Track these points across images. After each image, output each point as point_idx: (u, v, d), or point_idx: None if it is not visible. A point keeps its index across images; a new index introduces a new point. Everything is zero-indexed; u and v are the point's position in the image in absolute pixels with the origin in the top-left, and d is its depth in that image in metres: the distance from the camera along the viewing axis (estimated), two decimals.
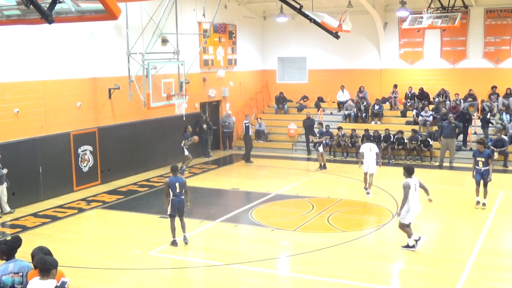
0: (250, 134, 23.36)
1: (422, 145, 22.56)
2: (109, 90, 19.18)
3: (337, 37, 23.15)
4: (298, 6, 21.21)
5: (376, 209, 15.78)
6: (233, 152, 25.54)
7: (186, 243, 12.73)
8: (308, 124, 24.54)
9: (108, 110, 19.36)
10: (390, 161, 22.71)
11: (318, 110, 26.54)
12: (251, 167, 22.38)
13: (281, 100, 28.00)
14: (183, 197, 12.51)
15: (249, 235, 13.92)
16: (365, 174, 17.13)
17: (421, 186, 12.52)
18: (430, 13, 21.77)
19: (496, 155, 21.29)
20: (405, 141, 22.85)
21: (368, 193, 16.99)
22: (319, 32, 23.05)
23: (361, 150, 17.35)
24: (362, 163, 17.11)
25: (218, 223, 14.50)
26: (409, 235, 12.29)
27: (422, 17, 21.69)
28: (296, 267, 11.65)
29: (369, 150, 17.03)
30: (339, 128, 24.01)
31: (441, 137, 21.67)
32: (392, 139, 23.03)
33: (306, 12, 21.45)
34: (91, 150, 18.62)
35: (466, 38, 25.27)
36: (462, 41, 25.35)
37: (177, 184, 12.38)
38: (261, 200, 16.71)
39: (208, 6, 21.66)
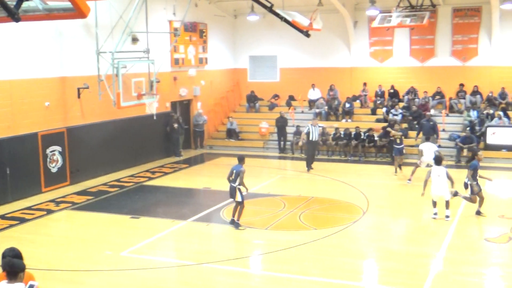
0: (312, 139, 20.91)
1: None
2: (78, 89, 18.95)
3: (307, 35, 23.21)
4: (269, 5, 21.22)
5: (347, 206, 15.89)
6: (204, 151, 25.47)
7: (236, 228, 13.67)
8: (281, 124, 24.61)
9: (77, 110, 19.12)
10: (361, 159, 22.92)
11: (289, 109, 26.63)
12: (221, 166, 22.33)
13: (252, 99, 28.01)
14: (234, 184, 13.53)
15: (221, 234, 13.89)
16: (417, 167, 18.43)
17: (448, 177, 14.11)
18: (399, 12, 22.01)
19: (465, 152, 21.68)
20: (375, 138, 23.06)
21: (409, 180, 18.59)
22: (290, 30, 23.07)
23: (420, 148, 18.59)
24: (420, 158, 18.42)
25: (189, 223, 14.44)
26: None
27: (391, 16, 21.90)
28: (269, 265, 11.67)
29: (428, 148, 18.22)
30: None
31: (420, 135, 21.73)
32: (362, 137, 23.23)
33: (277, 11, 21.47)
34: (60, 150, 18.35)
35: (434, 37, 25.61)
36: (430, 39, 25.68)
37: (234, 171, 13.60)
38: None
39: (179, 5, 21.57)
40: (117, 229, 14.06)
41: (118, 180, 19.49)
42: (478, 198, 14.39)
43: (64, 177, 18.54)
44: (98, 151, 19.89)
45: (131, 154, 21.48)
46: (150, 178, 19.90)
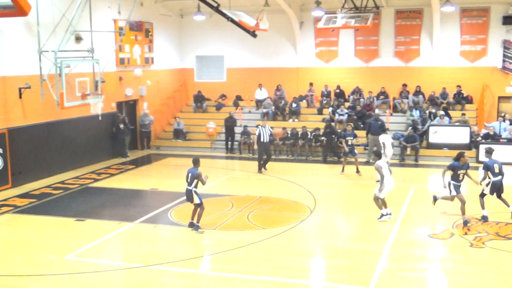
0: (263, 140, 20.55)
1: (338, 142, 23.10)
2: (20, 89, 18.42)
3: (254, 35, 23.33)
4: (215, 5, 21.21)
5: (294, 205, 16.03)
6: (151, 151, 25.22)
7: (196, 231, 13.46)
8: (230, 124, 24.58)
9: (18, 110, 18.58)
10: (308, 158, 23.16)
11: (236, 109, 26.66)
12: (169, 167, 22.18)
13: (199, 99, 27.91)
14: (189, 187, 13.39)
15: (169, 235, 13.78)
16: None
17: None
18: (344, 13, 22.35)
19: (408, 151, 22.21)
20: (322, 138, 23.31)
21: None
22: (236, 30, 23.19)
23: (381, 141, 18.56)
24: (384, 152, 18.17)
25: (136, 224, 14.26)
26: (380, 208, 14.08)
27: (336, 17, 22.23)
28: (217, 266, 11.65)
29: (389, 141, 18.51)
30: (258, 126, 24.18)
31: (368, 134, 22.01)
32: (309, 136, 23.47)
33: (224, 11, 21.49)
34: (1, 152, 17.79)
35: (378, 38, 26.15)
36: (374, 40, 26.20)
37: (189, 175, 13.44)
38: (180, 199, 16.55)
39: (124, 3, 21.26)
40: (62, 232, 13.74)
41: (62, 182, 19.06)
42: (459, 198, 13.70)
43: (5, 179, 17.99)
44: (41, 153, 19.41)
45: (76, 156, 21.05)
46: (95, 180, 19.55)
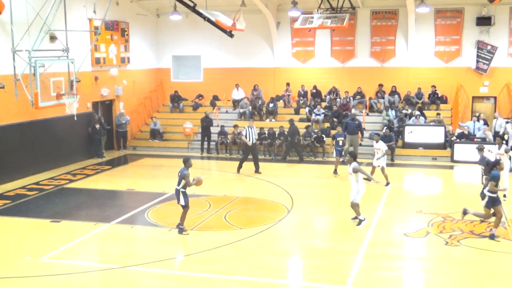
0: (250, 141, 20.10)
1: (315, 141, 23.22)
2: None
3: (231, 35, 23.29)
4: (191, 4, 21.14)
5: (272, 205, 16.05)
6: (128, 152, 25.04)
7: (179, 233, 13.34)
8: (206, 124, 24.50)
9: None
10: (285, 158, 23.19)
11: (213, 109, 26.61)
12: (145, 167, 22.05)
13: (176, 99, 27.79)
14: (177, 187, 13.28)
15: (146, 236, 13.70)
16: (382, 169, 18.30)
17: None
18: (320, 13, 22.45)
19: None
20: (299, 137, 23.35)
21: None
22: (213, 30, 23.12)
23: (379, 146, 18.38)
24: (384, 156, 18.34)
25: (113, 225, 14.15)
26: (358, 214, 13.79)
27: (313, 17, 22.32)
28: (195, 266, 11.60)
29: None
30: (235, 126, 24.19)
31: (345, 134, 21.97)
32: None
33: (200, 11, 21.43)
34: None
35: (354, 38, 26.30)
36: (350, 41, 26.36)
37: (179, 175, 13.30)
38: (157, 200, 16.50)
39: (99, 3, 21.06)
40: (37, 233, 13.57)
41: (37, 183, 18.82)
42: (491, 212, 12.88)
43: None
44: (15, 153, 19.14)
45: (51, 156, 20.80)
46: (71, 181, 19.35)
